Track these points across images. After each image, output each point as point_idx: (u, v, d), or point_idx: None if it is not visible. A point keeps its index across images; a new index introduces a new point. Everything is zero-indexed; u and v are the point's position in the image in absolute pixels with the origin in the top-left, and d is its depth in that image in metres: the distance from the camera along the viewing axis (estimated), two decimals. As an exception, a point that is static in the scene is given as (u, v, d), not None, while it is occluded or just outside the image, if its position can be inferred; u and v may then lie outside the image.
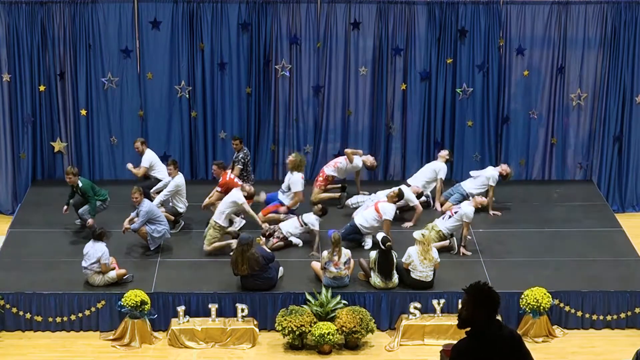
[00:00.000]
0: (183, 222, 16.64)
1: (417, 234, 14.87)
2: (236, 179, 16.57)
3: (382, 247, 14.72)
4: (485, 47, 18.04)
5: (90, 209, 16.09)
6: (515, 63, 18.19)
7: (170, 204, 16.42)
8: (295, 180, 16.63)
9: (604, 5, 17.86)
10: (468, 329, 6.85)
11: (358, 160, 17.53)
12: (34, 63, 17.74)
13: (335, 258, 14.73)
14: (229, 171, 16.79)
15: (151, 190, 16.70)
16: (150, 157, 17.24)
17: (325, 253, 14.88)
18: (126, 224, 15.69)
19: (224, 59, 18.02)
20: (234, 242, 15.63)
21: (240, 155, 17.17)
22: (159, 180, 16.98)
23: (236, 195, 15.81)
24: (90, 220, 15.91)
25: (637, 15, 17.84)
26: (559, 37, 18.02)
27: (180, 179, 16.42)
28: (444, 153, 17.60)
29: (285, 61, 18.11)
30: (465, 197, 17.10)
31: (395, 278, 14.86)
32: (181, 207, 16.47)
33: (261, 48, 17.95)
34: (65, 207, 16.26)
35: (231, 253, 15.05)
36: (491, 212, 17.28)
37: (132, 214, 15.79)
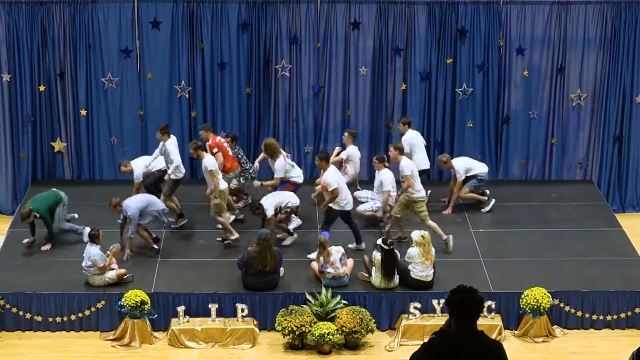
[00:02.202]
0: (186, 220, 16.65)
1: (415, 235, 14.86)
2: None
3: (385, 247, 14.71)
4: (485, 47, 18.04)
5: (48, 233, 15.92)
6: (515, 63, 18.19)
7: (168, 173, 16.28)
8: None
9: (604, 5, 17.85)
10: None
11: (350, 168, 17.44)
12: (34, 63, 17.75)
13: (330, 259, 14.74)
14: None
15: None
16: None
17: (319, 256, 14.94)
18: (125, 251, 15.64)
19: (224, 59, 18.02)
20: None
21: (230, 153, 16.95)
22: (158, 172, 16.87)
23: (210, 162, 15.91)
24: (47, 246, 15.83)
25: (637, 15, 17.84)
26: (559, 37, 18.02)
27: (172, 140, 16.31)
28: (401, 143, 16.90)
29: (285, 61, 18.12)
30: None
31: (396, 278, 14.86)
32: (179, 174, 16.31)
33: (261, 48, 17.96)
34: (30, 239, 16.02)
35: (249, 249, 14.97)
36: (448, 211, 17.30)
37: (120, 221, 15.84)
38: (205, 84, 18.15)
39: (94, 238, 14.82)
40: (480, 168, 17.27)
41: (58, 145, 18.27)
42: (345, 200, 15.60)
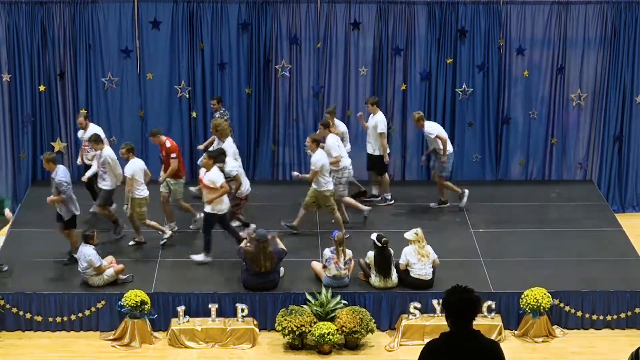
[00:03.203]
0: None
1: (409, 235, 14.86)
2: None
3: (379, 243, 14.71)
4: (485, 47, 18.05)
5: None
6: (515, 63, 18.19)
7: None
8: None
9: (604, 5, 17.86)
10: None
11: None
12: (34, 63, 17.75)
13: (335, 256, 14.73)
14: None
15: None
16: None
17: (327, 251, 14.90)
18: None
19: (224, 59, 18.02)
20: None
21: (217, 115, 17.03)
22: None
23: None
24: None
25: (637, 15, 17.85)
26: (559, 37, 18.02)
27: (109, 150, 15.97)
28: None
29: (285, 61, 18.12)
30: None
31: (395, 277, 14.85)
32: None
33: (261, 48, 17.96)
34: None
35: (243, 246, 14.92)
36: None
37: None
38: (205, 84, 18.15)
39: (88, 239, 14.80)
40: (448, 146, 16.99)
41: (58, 145, 18.27)
42: (225, 203, 15.35)
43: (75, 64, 17.89)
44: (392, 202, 17.53)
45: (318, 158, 15.77)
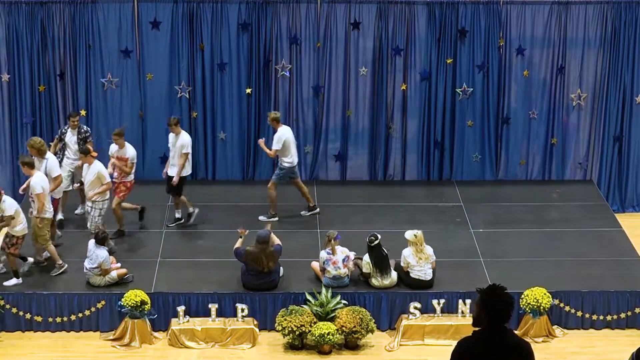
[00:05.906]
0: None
1: (408, 235, 14.84)
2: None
3: (370, 244, 14.67)
4: (485, 47, 18.05)
5: None
6: (515, 63, 18.19)
7: None
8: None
9: (604, 5, 17.86)
10: (476, 328, 6.90)
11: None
12: (34, 63, 17.75)
13: (332, 256, 14.72)
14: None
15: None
16: None
17: (322, 253, 14.90)
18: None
19: (224, 59, 18.02)
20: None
21: (86, 130, 16.64)
22: None
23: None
24: None
25: (637, 15, 17.85)
26: (559, 37, 18.02)
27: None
28: None
29: (285, 61, 18.12)
30: None
31: (394, 275, 14.83)
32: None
33: (261, 48, 17.96)
34: None
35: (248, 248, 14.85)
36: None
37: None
38: (205, 84, 18.15)
39: (103, 241, 14.80)
40: (293, 157, 16.67)
41: (58, 146, 18.27)
42: None
43: (75, 64, 17.89)
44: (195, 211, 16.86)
45: (36, 181, 14.79)
